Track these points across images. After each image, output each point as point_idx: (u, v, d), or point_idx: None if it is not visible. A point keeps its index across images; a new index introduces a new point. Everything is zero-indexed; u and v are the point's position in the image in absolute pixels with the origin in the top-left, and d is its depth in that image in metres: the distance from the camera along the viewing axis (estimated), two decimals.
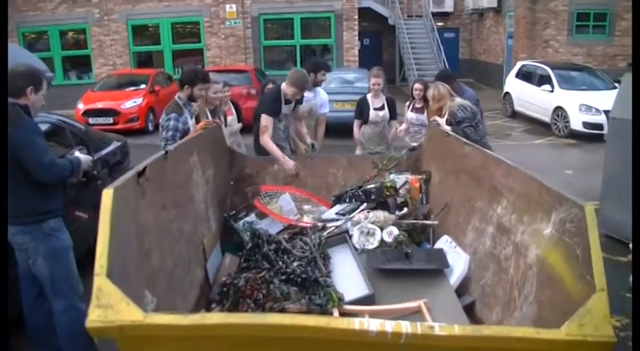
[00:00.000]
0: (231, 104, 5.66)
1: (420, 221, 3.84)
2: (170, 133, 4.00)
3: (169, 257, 2.61)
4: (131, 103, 12.34)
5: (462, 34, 22.23)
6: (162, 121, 4.12)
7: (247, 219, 3.87)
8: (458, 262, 3.23)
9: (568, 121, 11.28)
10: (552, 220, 2.36)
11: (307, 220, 3.91)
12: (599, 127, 10.49)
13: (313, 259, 3.15)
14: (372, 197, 4.01)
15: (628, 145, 4.42)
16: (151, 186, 2.44)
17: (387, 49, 21.60)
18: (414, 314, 2.78)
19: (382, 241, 3.55)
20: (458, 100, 4.81)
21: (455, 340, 1.65)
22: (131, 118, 12.12)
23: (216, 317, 1.67)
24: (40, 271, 3.10)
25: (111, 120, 12.01)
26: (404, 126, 5.76)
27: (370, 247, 3.51)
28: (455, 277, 3.16)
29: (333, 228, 3.72)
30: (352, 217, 3.81)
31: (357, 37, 17.33)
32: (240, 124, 5.62)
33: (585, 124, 10.96)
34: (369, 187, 4.12)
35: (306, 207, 4.19)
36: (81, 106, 12.37)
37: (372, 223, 3.66)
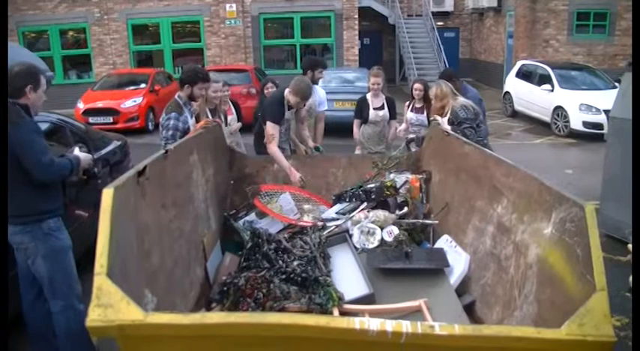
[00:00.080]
0: (230, 103, 5.66)
1: (420, 221, 3.84)
2: (170, 133, 3.99)
3: (169, 256, 2.61)
4: (131, 102, 12.34)
5: (462, 33, 22.22)
6: (162, 121, 4.12)
7: (247, 218, 3.87)
8: (458, 261, 3.23)
9: (568, 121, 11.28)
10: (552, 220, 2.36)
11: (307, 220, 3.91)
12: (600, 126, 10.49)
13: (313, 258, 3.15)
14: (373, 196, 4.01)
15: (628, 145, 4.42)
16: (151, 185, 2.44)
17: (387, 48, 21.59)
18: (414, 314, 2.78)
19: (382, 240, 3.55)
20: (461, 99, 4.78)
21: (455, 340, 1.65)
22: (131, 117, 12.11)
23: (216, 316, 1.67)
24: (39, 270, 3.09)
25: (111, 119, 12.01)
26: (403, 126, 5.76)
27: (370, 246, 3.51)
28: (455, 277, 3.16)
29: (333, 227, 3.72)
30: (352, 216, 3.81)
31: (357, 37, 17.32)
32: (239, 124, 5.62)
33: (585, 124, 10.96)
34: (369, 186, 4.12)
35: (306, 206, 4.19)
36: (81, 106, 12.37)
37: (373, 222, 3.66)
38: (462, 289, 3.14)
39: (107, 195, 1.91)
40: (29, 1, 16.60)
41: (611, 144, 5.70)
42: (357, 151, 5.75)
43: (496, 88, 17.24)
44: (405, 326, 1.63)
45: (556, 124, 11.69)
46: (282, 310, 2.67)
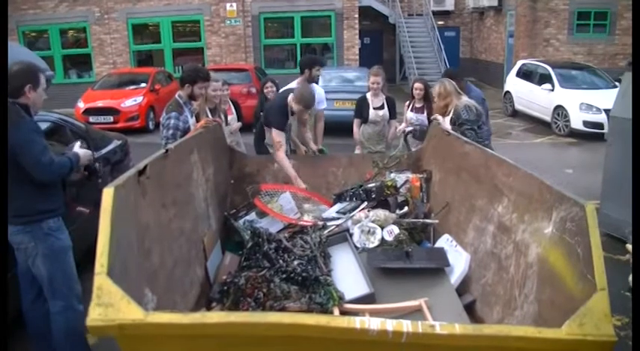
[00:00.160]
0: (231, 103, 5.66)
1: (421, 220, 3.84)
2: (170, 132, 3.99)
3: (169, 256, 2.61)
4: (131, 101, 12.33)
5: (462, 32, 22.21)
6: (163, 120, 4.11)
7: (248, 218, 3.87)
8: (458, 261, 3.23)
9: (568, 120, 11.27)
10: (553, 219, 2.36)
11: (308, 219, 3.91)
12: (600, 126, 10.49)
13: (314, 257, 3.15)
14: (373, 196, 4.01)
15: (629, 144, 4.42)
16: (151, 185, 2.44)
17: (388, 47, 21.57)
18: (415, 313, 2.78)
19: (383, 239, 3.55)
20: (464, 99, 4.71)
21: (456, 339, 1.65)
22: (131, 116, 12.11)
23: (216, 316, 1.66)
24: (39, 270, 3.09)
25: (111, 119, 12.00)
26: (403, 125, 5.75)
27: (371, 245, 3.51)
28: (455, 276, 3.16)
29: (333, 227, 3.72)
30: (353, 215, 3.81)
31: (357, 36, 17.30)
32: (239, 123, 5.61)
33: (586, 123, 10.95)
34: (369, 185, 4.12)
35: (306, 206, 4.19)
36: (81, 105, 12.36)
37: (373, 221, 3.66)
38: (462, 289, 3.14)
39: (107, 194, 1.91)
40: (29, 0, 16.60)
41: (612, 143, 5.69)
42: (357, 151, 5.74)
43: (496, 88, 17.23)
44: (406, 326, 1.63)
45: (556, 123, 11.68)
46: (283, 309, 2.67)
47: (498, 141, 10.15)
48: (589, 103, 11.03)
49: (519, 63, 14.25)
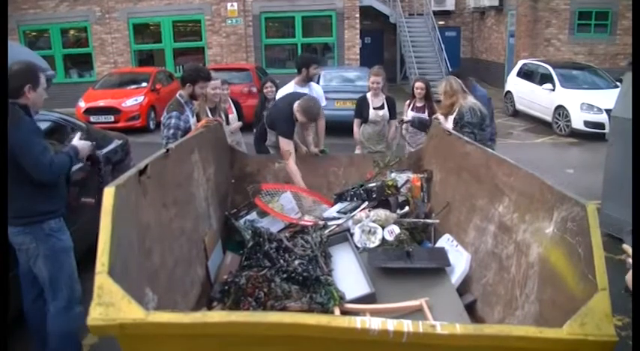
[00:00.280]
0: (231, 102, 5.66)
1: (422, 220, 3.84)
2: (171, 131, 3.99)
3: (170, 255, 2.61)
4: (132, 101, 12.33)
5: (463, 32, 22.19)
6: (164, 120, 4.11)
7: (248, 217, 3.86)
8: (459, 260, 3.22)
9: (569, 120, 11.26)
10: (554, 219, 2.36)
11: (308, 219, 3.91)
12: (601, 126, 10.48)
13: (314, 257, 3.15)
14: (374, 196, 4.01)
15: (630, 144, 4.40)
16: (152, 184, 2.44)
17: (389, 47, 21.56)
18: (416, 313, 2.78)
19: (383, 239, 3.55)
20: (470, 99, 4.64)
21: (456, 339, 1.65)
22: (132, 116, 12.11)
23: (217, 315, 1.66)
24: (40, 271, 3.08)
25: (112, 118, 12.00)
26: (403, 124, 5.75)
27: (371, 245, 3.51)
28: (456, 276, 3.16)
29: (334, 226, 3.72)
30: (353, 215, 3.81)
31: (358, 36, 17.29)
32: (239, 123, 5.62)
33: (587, 123, 10.94)
34: (370, 185, 4.12)
35: (307, 205, 4.19)
36: (82, 104, 12.36)
37: (374, 221, 3.66)
38: (463, 289, 3.14)
39: (108, 194, 1.91)
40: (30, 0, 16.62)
41: (613, 143, 5.69)
42: (357, 151, 5.75)
43: (497, 88, 17.22)
44: (407, 325, 1.63)
45: (557, 123, 11.67)
46: (284, 309, 2.67)
47: (499, 141, 10.07)
48: (590, 103, 11.02)
49: (520, 63, 14.24)
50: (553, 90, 11.99)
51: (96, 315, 1.58)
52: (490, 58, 19.98)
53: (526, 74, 13.44)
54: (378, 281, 3.05)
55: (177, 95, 4.23)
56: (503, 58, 18.52)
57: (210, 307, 2.87)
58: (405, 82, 18.61)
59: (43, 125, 4.27)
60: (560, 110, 11.59)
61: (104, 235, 1.79)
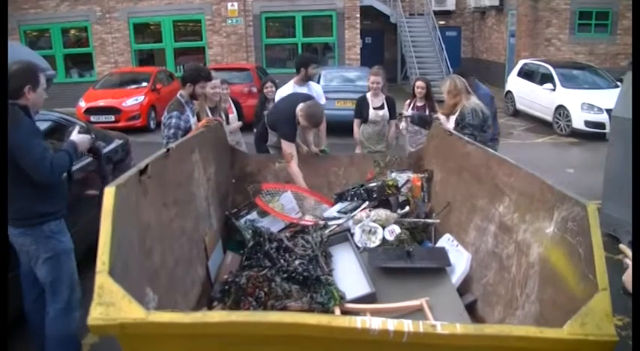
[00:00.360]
0: (231, 102, 5.66)
1: (422, 220, 3.84)
2: (172, 131, 3.99)
3: (171, 255, 2.61)
4: (133, 101, 12.33)
5: (463, 32, 22.18)
6: (164, 119, 4.11)
7: (249, 217, 3.87)
8: (460, 260, 3.22)
9: (570, 120, 11.26)
10: (554, 219, 2.36)
11: (309, 219, 3.91)
12: (601, 125, 10.48)
13: (315, 257, 3.15)
14: (374, 195, 4.01)
15: (630, 144, 4.40)
16: (152, 184, 2.44)
17: (389, 47, 21.56)
18: (416, 313, 2.78)
19: (384, 239, 3.55)
20: (473, 100, 4.59)
21: (457, 339, 1.65)
22: (133, 116, 12.11)
23: (217, 315, 1.66)
24: (41, 273, 3.07)
25: (112, 118, 12.00)
26: (403, 124, 5.75)
27: (372, 245, 3.51)
28: (457, 276, 3.16)
29: (334, 226, 3.72)
30: (354, 215, 3.81)
31: (358, 36, 17.29)
32: (239, 122, 5.62)
33: (587, 123, 10.94)
34: (370, 185, 4.12)
35: (307, 205, 4.19)
36: (82, 104, 12.36)
37: (374, 221, 3.66)
38: (463, 289, 3.14)
39: (109, 193, 1.91)
40: None
41: (613, 143, 5.69)
42: (357, 151, 5.75)
43: (498, 87, 17.19)
44: (407, 325, 1.63)
45: (558, 123, 11.67)
46: (284, 309, 2.67)
47: (500, 141, 10.13)
48: (590, 103, 11.01)
49: (521, 63, 14.23)
50: (553, 90, 11.99)
51: (96, 315, 1.58)
52: (491, 58, 19.98)
53: (526, 74, 13.43)
54: (379, 281, 3.05)
55: (178, 95, 4.23)
56: (504, 58, 18.52)
57: (210, 307, 2.87)
58: (405, 82, 18.62)
59: (44, 125, 4.28)
60: (561, 110, 11.59)
61: (105, 234, 1.79)
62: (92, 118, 11.48)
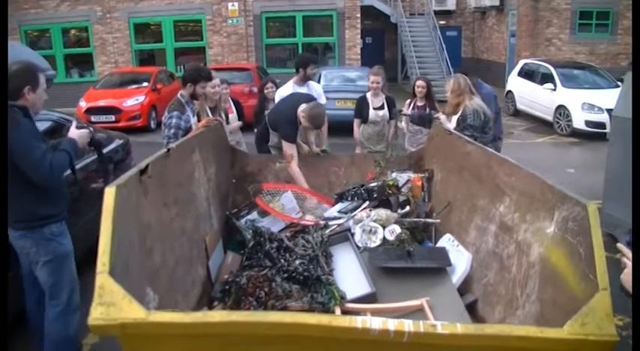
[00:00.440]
0: (232, 102, 5.66)
1: (422, 219, 3.83)
2: (172, 131, 3.99)
3: (171, 255, 2.61)
4: (133, 100, 12.33)
5: (464, 32, 22.18)
6: (165, 119, 4.11)
7: (249, 217, 3.87)
8: (460, 260, 3.22)
9: (570, 120, 11.26)
10: (555, 219, 2.36)
11: (309, 218, 3.91)
12: (602, 125, 10.48)
13: (315, 257, 3.15)
14: (375, 195, 4.01)
15: (630, 144, 4.40)
16: (153, 184, 2.44)
17: (390, 47, 21.56)
18: (416, 312, 2.78)
19: (384, 239, 3.55)
20: (476, 100, 4.56)
21: (457, 339, 1.65)
22: (133, 116, 12.11)
23: (218, 315, 1.66)
24: (41, 275, 3.06)
25: (113, 118, 12.00)
26: (403, 123, 5.75)
27: (372, 245, 3.51)
28: (457, 276, 3.16)
29: (335, 226, 3.72)
30: (354, 215, 3.81)
31: (359, 36, 17.29)
32: (239, 122, 5.62)
33: (588, 123, 10.94)
34: (371, 185, 4.12)
35: (308, 205, 4.19)
36: (83, 104, 12.36)
37: (375, 221, 3.65)
38: (464, 288, 3.14)
39: (109, 193, 1.91)
40: None
41: (614, 143, 5.68)
42: (357, 151, 5.75)
43: (498, 87, 17.14)
44: (407, 325, 1.63)
45: (558, 123, 11.67)
46: (284, 308, 2.67)
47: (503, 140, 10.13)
48: (591, 103, 11.01)
49: (521, 62, 14.23)
50: (554, 90, 11.98)
51: (97, 315, 1.58)
52: (491, 58, 19.98)
53: (527, 74, 13.43)
54: (379, 281, 3.05)
55: (179, 95, 4.23)
56: (504, 58, 18.52)
57: (211, 307, 2.87)
58: (406, 82, 18.61)
59: (44, 125, 4.28)
60: (561, 110, 11.59)
61: (105, 234, 1.79)
62: (93, 118, 11.50)
